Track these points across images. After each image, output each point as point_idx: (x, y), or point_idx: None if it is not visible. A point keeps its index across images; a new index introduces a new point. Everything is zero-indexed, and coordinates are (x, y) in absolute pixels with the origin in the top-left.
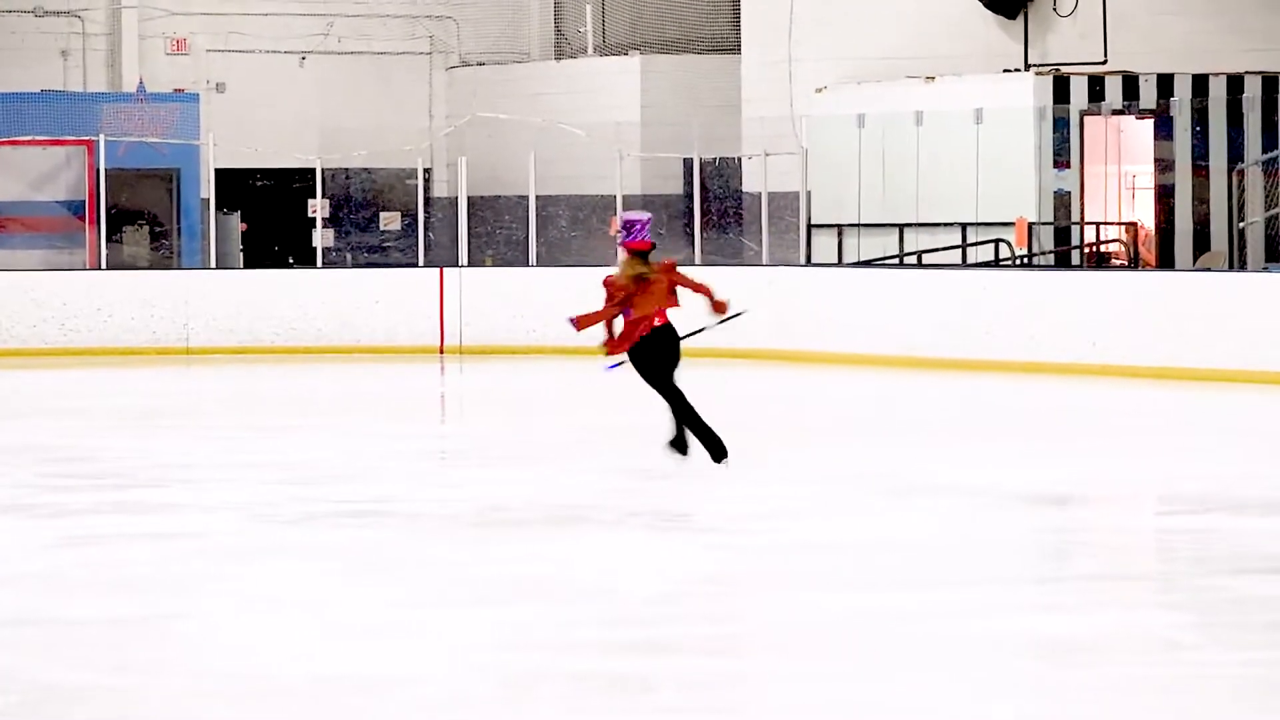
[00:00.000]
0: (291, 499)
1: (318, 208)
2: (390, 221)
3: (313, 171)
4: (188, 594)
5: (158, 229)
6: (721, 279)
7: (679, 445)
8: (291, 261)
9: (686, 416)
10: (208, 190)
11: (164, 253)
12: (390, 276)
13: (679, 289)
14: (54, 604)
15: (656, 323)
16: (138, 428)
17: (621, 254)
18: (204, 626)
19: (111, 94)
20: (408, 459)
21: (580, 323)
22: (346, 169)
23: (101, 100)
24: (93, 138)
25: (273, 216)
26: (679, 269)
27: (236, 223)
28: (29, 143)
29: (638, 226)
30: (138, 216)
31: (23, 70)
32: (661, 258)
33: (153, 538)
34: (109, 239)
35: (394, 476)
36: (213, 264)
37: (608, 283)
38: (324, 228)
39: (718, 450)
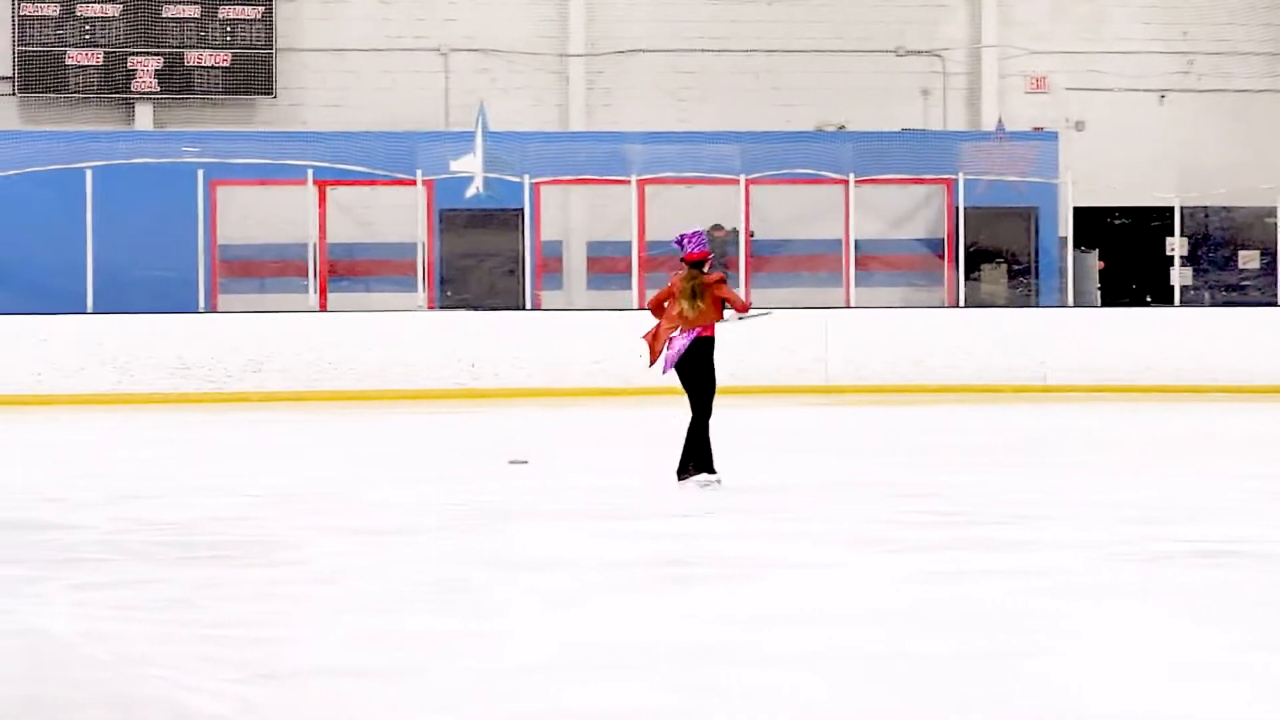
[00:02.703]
0: (1144, 538)
1: (1176, 246)
2: (1249, 260)
3: (1171, 210)
4: (1035, 632)
5: (1016, 267)
6: None
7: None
8: (1149, 300)
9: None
10: (1066, 228)
11: (1022, 291)
12: (1248, 315)
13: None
14: (907, 640)
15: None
16: (992, 465)
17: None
18: (1049, 666)
19: (970, 132)
20: (1262, 499)
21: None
22: (1205, 207)
23: (960, 138)
24: (952, 176)
25: (1130, 255)
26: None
27: (1094, 261)
28: (889, 181)
29: (692, 239)
30: (996, 255)
31: (884, 109)
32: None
33: (1003, 574)
34: (968, 276)
35: (1247, 517)
36: (1070, 302)
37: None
38: (1182, 266)
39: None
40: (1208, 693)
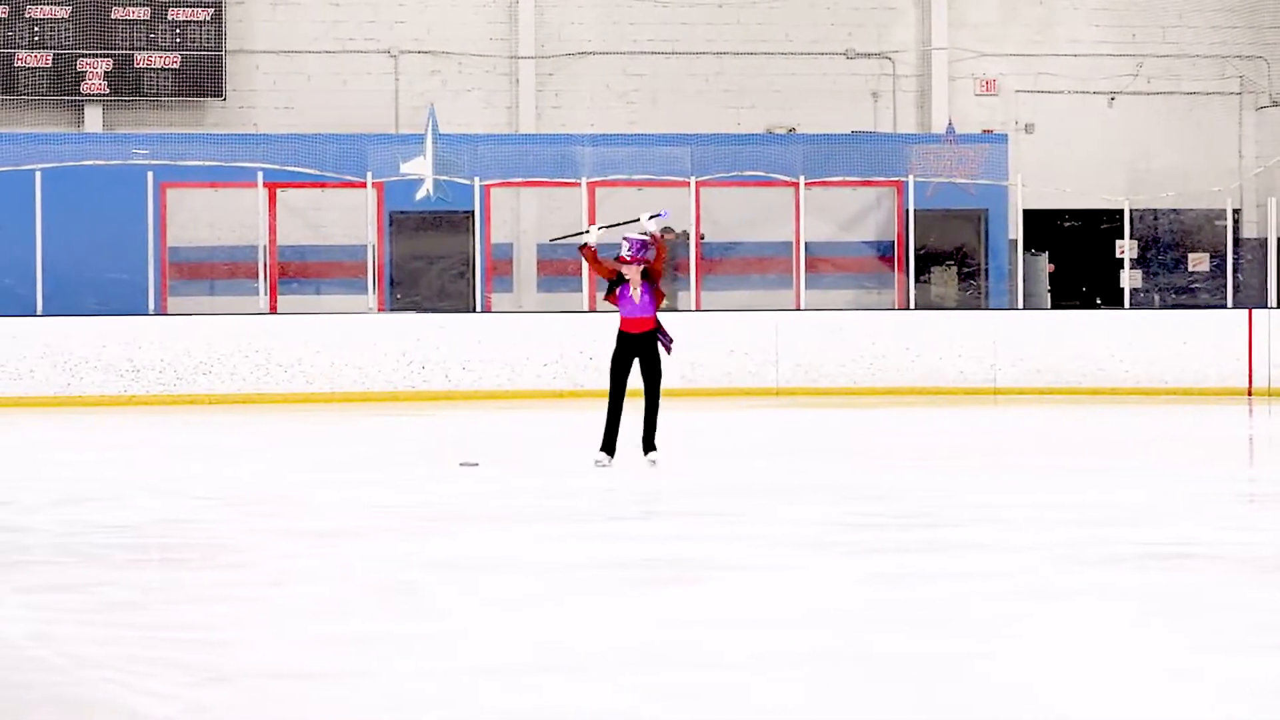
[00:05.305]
0: (1094, 540)
1: (1125, 248)
2: (1198, 263)
3: (1120, 212)
4: (989, 635)
5: (965, 269)
6: None
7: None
8: (1099, 302)
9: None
10: (1015, 231)
11: (972, 293)
12: (1198, 318)
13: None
14: (858, 642)
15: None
16: (943, 467)
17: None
18: (1004, 667)
19: (920, 135)
20: (1213, 502)
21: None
22: (1155, 209)
23: (910, 141)
24: (902, 178)
25: (1080, 257)
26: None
27: (1044, 263)
28: (839, 183)
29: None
30: (945, 257)
31: (834, 111)
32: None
33: (955, 577)
34: (917, 279)
35: (1198, 519)
36: (1020, 304)
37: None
38: (1131, 268)
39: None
40: (1162, 694)
